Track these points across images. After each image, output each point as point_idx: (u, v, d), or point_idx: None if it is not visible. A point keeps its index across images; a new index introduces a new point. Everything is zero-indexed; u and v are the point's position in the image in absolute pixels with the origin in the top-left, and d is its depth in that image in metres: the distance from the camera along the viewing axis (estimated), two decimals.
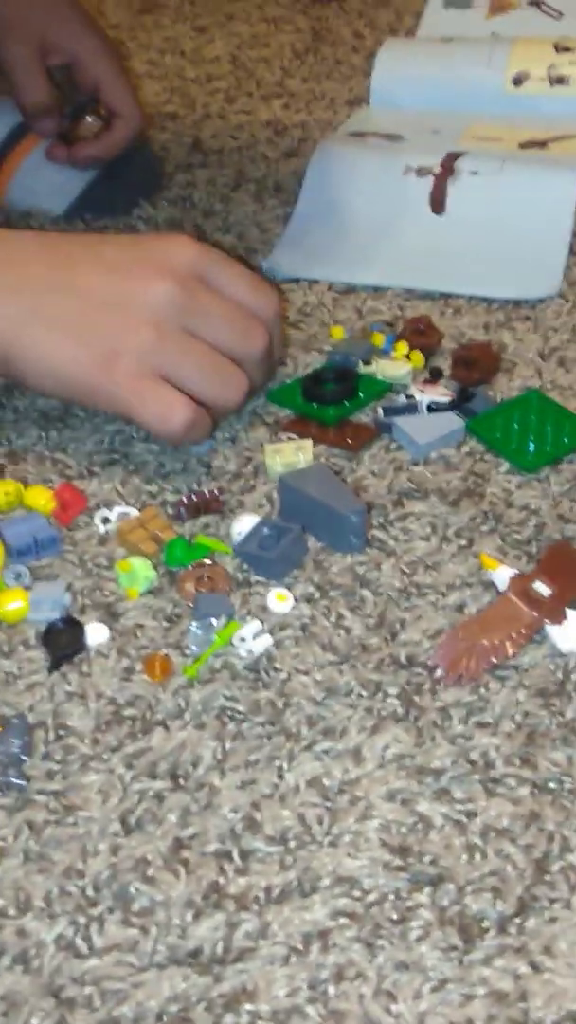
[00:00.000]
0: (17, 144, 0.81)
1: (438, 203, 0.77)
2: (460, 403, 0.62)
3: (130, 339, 0.55)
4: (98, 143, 0.78)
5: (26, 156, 0.81)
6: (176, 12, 1.10)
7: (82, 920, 0.41)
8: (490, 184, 0.77)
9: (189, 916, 0.41)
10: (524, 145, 0.83)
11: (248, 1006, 0.38)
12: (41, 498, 0.57)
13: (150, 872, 0.42)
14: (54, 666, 0.50)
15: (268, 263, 0.75)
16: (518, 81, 0.89)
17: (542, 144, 0.83)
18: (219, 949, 0.40)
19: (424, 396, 0.63)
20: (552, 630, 0.50)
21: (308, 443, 0.60)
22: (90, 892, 0.42)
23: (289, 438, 0.61)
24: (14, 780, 0.45)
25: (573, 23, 0.94)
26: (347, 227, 0.77)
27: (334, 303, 0.72)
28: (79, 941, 0.40)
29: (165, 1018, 0.38)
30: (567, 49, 0.89)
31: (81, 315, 0.55)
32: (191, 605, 0.52)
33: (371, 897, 0.41)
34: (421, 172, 0.78)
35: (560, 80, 0.88)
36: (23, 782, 0.45)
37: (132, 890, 0.42)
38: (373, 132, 0.85)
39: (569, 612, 0.50)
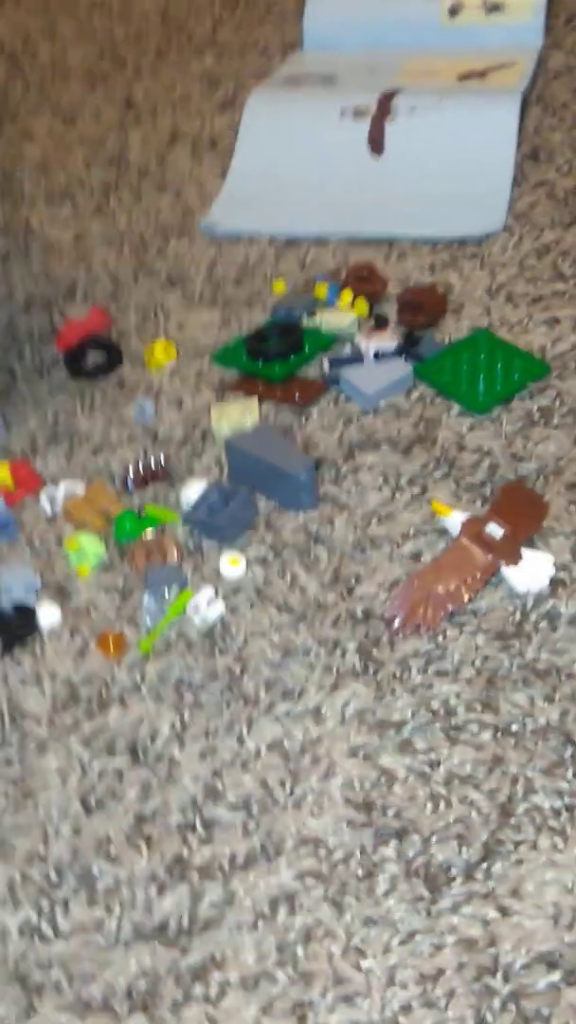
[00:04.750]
0: None
1: (376, 144, 0.75)
2: (407, 348, 0.61)
3: None
4: None
5: None
6: None
7: (46, 905, 0.40)
8: (429, 120, 0.75)
9: (154, 891, 0.40)
10: (462, 77, 0.81)
11: (217, 975, 0.38)
12: None
13: (112, 850, 0.42)
14: (5, 650, 0.49)
15: (206, 221, 0.73)
16: (454, 11, 0.86)
17: (481, 74, 0.81)
18: (185, 921, 0.40)
19: (370, 344, 0.61)
20: (508, 571, 0.49)
21: (254, 402, 0.59)
22: (53, 876, 0.41)
23: (235, 398, 0.60)
24: None
25: None
26: (285, 178, 0.75)
27: (277, 256, 0.70)
28: (44, 926, 0.40)
29: (134, 994, 0.38)
30: None
31: None
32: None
33: (336, 855, 0.41)
34: (357, 114, 0.76)
35: (496, 7, 0.86)
36: None
37: (95, 870, 0.41)
38: (307, 76, 0.83)
39: (524, 551, 0.49)
